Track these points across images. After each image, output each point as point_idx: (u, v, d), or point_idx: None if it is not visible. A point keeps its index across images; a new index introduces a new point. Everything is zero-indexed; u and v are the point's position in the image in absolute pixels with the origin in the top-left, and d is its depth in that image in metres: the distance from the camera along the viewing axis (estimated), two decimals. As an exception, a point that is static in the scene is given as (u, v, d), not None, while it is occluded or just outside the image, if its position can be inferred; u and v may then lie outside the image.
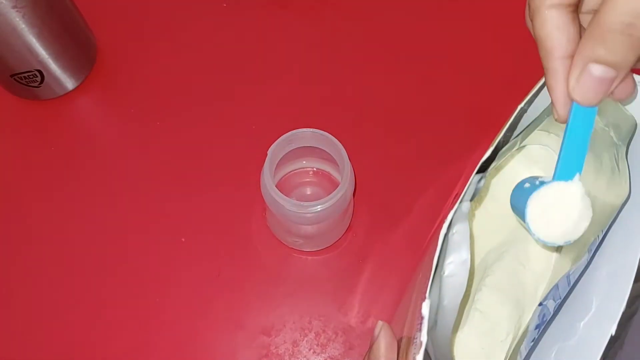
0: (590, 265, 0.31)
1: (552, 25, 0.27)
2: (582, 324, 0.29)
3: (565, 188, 0.27)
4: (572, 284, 0.31)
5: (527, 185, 0.28)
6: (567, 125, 0.27)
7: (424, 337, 0.24)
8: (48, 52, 0.48)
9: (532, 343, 0.32)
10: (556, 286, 0.31)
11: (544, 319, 0.32)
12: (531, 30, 0.29)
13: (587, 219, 0.27)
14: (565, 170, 0.27)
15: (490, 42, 0.56)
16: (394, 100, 0.53)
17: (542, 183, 0.27)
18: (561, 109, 0.27)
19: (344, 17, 0.57)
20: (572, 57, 0.26)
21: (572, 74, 0.26)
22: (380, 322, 0.32)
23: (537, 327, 0.32)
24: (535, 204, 0.27)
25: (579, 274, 0.31)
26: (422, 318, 0.25)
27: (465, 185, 0.32)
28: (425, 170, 0.50)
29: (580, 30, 0.27)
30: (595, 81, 0.25)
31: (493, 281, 0.37)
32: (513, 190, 0.29)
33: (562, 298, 0.31)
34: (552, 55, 0.27)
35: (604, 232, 0.31)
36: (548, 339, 0.31)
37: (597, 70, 0.25)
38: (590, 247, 0.30)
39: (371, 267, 0.47)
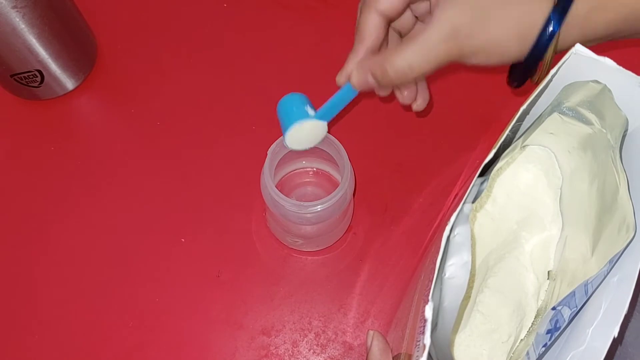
0: (609, 274, 0.31)
1: (371, 24, 0.37)
2: (590, 330, 0.29)
3: (320, 124, 0.38)
4: (589, 294, 0.31)
5: (295, 109, 0.38)
6: (339, 90, 0.38)
7: (427, 339, 0.24)
8: (48, 52, 0.48)
9: (544, 348, 0.32)
10: (573, 293, 0.31)
11: (557, 325, 0.31)
12: (357, 18, 0.38)
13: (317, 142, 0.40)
14: (324, 114, 0.38)
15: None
16: (394, 101, 0.53)
17: (305, 114, 0.37)
18: (342, 78, 0.38)
19: (344, 17, 0.57)
20: (371, 50, 0.37)
21: (359, 68, 0.37)
22: (370, 332, 0.34)
23: (549, 332, 0.32)
24: (297, 128, 0.37)
25: (597, 284, 0.31)
26: (425, 321, 0.25)
27: (464, 186, 0.32)
28: (425, 170, 0.50)
29: (385, 37, 0.38)
30: (366, 82, 0.37)
31: (494, 283, 0.37)
32: (285, 100, 0.39)
33: (578, 307, 0.31)
34: (361, 42, 0.37)
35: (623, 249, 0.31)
36: (564, 347, 0.31)
37: (371, 79, 0.37)
38: (612, 259, 0.30)
39: (371, 268, 0.47)
